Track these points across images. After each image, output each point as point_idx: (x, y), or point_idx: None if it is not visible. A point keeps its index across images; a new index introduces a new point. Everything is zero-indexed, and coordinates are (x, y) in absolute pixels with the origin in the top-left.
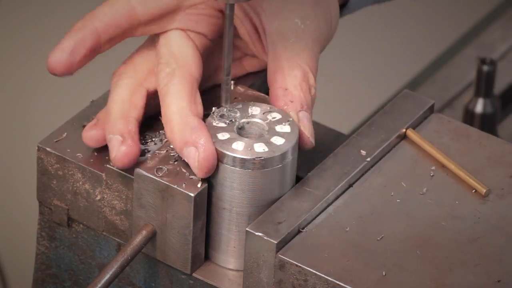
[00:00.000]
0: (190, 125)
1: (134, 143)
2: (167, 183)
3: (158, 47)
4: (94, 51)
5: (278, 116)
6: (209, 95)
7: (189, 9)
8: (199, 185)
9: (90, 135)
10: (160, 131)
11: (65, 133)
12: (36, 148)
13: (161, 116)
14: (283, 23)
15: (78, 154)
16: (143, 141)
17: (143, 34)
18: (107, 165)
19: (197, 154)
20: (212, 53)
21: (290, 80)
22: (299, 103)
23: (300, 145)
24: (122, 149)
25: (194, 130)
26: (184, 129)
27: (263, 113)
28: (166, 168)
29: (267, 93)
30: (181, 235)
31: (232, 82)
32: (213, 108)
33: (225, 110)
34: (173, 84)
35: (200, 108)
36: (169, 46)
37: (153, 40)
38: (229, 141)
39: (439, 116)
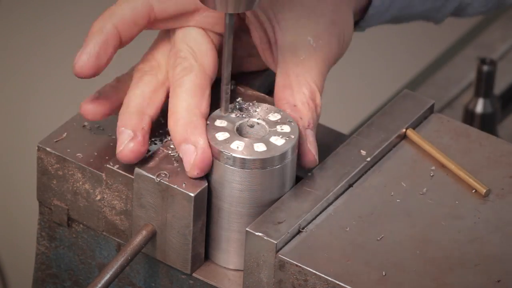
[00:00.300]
0: (194, 123)
1: (144, 142)
2: (167, 183)
3: (175, 40)
4: (116, 49)
5: (278, 116)
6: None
7: (208, 11)
8: (199, 185)
9: (88, 108)
10: (160, 131)
11: (65, 133)
12: (36, 148)
13: (161, 117)
14: (295, 39)
15: (78, 154)
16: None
17: (160, 28)
18: (107, 165)
19: (194, 154)
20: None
21: (299, 97)
22: (307, 120)
23: (304, 163)
24: (130, 145)
25: (196, 129)
26: (188, 126)
27: (263, 113)
28: (166, 168)
29: (267, 93)
30: (181, 235)
31: (232, 82)
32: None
33: (243, 104)
34: (188, 78)
35: (207, 108)
36: (188, 41)
37: (168, 33)
38: (229, 141)
39: (439, 116)
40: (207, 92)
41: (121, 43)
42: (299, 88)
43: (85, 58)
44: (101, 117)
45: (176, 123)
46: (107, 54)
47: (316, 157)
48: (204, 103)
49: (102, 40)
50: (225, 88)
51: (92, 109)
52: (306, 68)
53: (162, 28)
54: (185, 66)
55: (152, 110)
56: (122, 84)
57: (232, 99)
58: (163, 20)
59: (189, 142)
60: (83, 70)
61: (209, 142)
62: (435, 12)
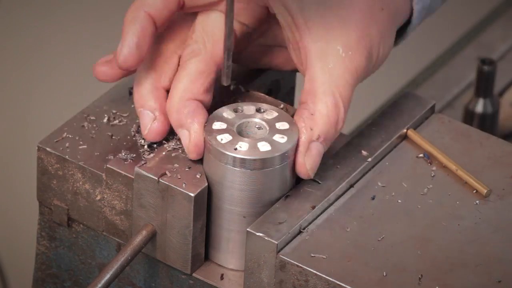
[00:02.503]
0: (188, 108)
1: (166, 119)
2: (167, 183)
3: (195, 22)
4: (154, 37)
5: (275, 114)
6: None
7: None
8: (199, 185)
9: (102, 70)
10: None
11: (65, 133)
12: (36, 148)
13: None
14: (324, 46)
15: (78, 154)
16: (142, 141)
17: (190, 11)
18: (107, 165)
19: (188, 139)
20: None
21: (320, 106)
22: (317, 133)
23: (296, 172)
24: (154, 126)
25: (189, 113)
26: (181, 109)
27: (260, 112)
28: (166, 168)
29: (267, 94)
30: (181, 235)
31: (233, 82)
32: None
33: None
34: (192, 62)
35: (206, 94)
36: (205, 25)
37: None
38: (232, 143)
39: (440, 116)
40: (210, 78)
41: (157, 29)
42: (323, 96)
43: (126, 51)
44: (114, 80)
45: (171, 107)
46: (146, 42)
47: (311, 172)
48: (202, 89)
49: (139, 30)
50: (227, 64)
51: (105, 71)
52: (333, 77)
53: (193, 11)
54: (193, 48)
55: (166, 81)
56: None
57: (233, 99)
58: (192, 6)
59: (184, 127)
60: (127, 62)
61: (209, 143)
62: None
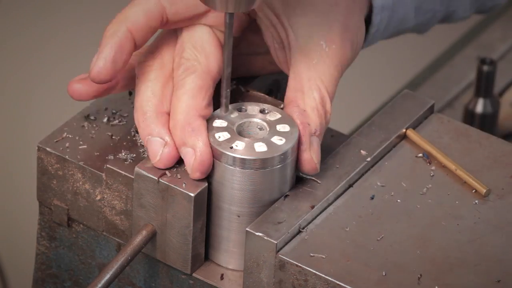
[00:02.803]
0: (192, 125)
1: (174, 142)
2: (167, 183)
3: (182, 39)
4: (131, 53)
5: (278, 116)
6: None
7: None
8: (199, 185)
9: (76, 87)
10: None
11: (65, 133)
12: (36, 148)
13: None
14: (308, 43)
15: (78, 154)
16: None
17: (171, 28)
18: (107, 165)
19: (193, 157)
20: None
21: (309, 101)
22: (314, 127)
23: (304, 170)
24: (165, 151)
25: (194, 132)
26: (185, 128)
27: (264, 113)
28: (166, 168)
29: (267, 94)
30: (181, 235)
31: (233, 82)
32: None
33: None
34: (189, 79)
35: (208, 109)
36: (193, 41)
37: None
38: (229, 141)
39: (439, 116)
40: (209, 92)
41: (136, 47)
42: (310, 92)
43: (101, 64)
44: (88, 98)
45: (175, 126)
46: (123, 58)
47: (318, 166)
48: (204, 104)
49: (117, 45)
50: (225, 93)
51: (79, 89)
52: (319, 73)
53: (177, 27)
54: (188, 66)
55: (168, 106)
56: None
57: (233, 99)
58: (176, 22)
59: (188, 145)
60: (101, 75)
61: (209, 143)
62: (424, 25)
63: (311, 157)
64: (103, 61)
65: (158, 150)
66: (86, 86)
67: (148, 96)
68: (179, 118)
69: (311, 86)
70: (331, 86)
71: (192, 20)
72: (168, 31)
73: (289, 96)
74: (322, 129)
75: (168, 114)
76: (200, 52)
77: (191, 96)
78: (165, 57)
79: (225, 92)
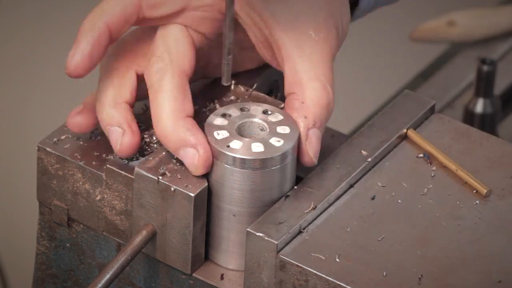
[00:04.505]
0: (185, 126)
1: (134, 131)
2: (167, 183)
3: (155, 37)
4: (107, 47)
5: (278, 116)
6: (207, 91)
7: (195, 11)
8: (199, 185)
9: (75, 121)
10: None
11: (65, 133)
12: (36, 148)
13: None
14: (298, 35)
15: (78, 154)
16: (143, 142)
17: (148, 25)
18: (107, 165)
19: (196, 155)
20: (205, 47)
21: (309, 93)
22: (313, 119)
23: (302, 163)
24: (125, 140)
25: (190, 131)
26: (179, 130)
27: (264, 113)
28: (166, 168)
29: (268, 93)
30: (181, 235)
31: (233, 82)
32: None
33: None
34: (165, 81)
35: (191, 107)
36: (166, 40)
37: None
38: (229, 141)
39: (440, 116)
40: (187, 90)
41: (111, 40)
42: (309, 83)
43: (78, 58)
44: (88, 130)
45: (165, 131)
46: (99, 53)
47: (315, 159)
48: (186, 103)
49: (94, 39)
50: (226, 59)
51: (78, 122)
52: (314, 63)
53: (151, 25)
54: (160, 66)
55: (127, 95)
56: None
57: (232, 100)
58: (152, 19)
59: (188, 146)
60: (77, 70)
61: (208, 142)
62: None
63: (306, 150)
64: (81, 55)
65: (118, 139)
66: (86, 118)
67: (106, 87)
68: (168, 124)
69: (310, 77)
70: (328, 73)
71: (168, 18)
72: (143, 29)
73: (288, 90)
74: (323, 120)
75: (127, 102)
76: (173, 51)
77: (172, 99)
78: (128, 47)
79: (226, 64)
